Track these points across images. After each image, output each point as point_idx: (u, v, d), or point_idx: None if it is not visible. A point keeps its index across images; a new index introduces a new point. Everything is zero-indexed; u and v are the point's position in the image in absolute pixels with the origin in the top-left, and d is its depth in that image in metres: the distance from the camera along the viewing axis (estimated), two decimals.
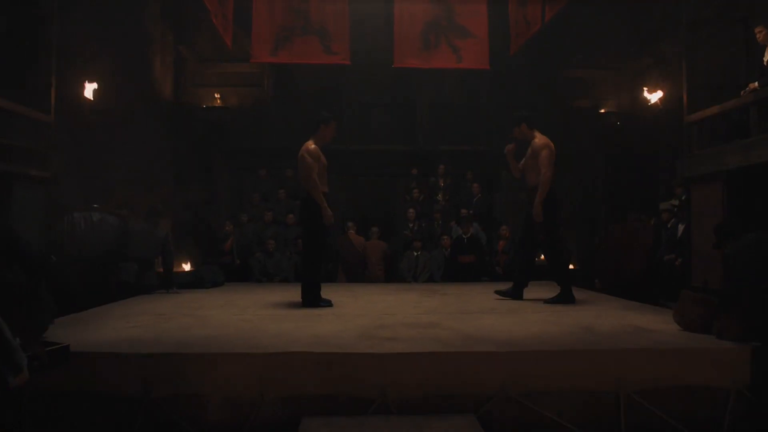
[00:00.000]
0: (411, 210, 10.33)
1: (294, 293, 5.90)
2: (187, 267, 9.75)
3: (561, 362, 3.60)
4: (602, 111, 11.35)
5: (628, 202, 10.46)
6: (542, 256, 9.46)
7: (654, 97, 9.92)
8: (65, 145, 7.62)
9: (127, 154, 9.25)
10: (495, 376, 3.56)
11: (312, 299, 5.70)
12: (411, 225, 10.31)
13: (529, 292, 6.11)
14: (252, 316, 5.04)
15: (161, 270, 7.59)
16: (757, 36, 6.23)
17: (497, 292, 6.17)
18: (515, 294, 6.07)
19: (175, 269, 8.85)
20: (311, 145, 5.76)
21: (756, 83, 6.07)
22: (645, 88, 10.08)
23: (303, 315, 5.13)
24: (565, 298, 5.86)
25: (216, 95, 11.13)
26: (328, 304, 5.74)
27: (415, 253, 9.50)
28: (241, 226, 10.11)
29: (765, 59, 6.18)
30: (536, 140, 5.94)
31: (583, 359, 3.62)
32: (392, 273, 9.66)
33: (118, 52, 9.01)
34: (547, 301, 5.88)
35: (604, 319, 4.87)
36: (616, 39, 11.25)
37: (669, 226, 8.43)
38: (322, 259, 6.03)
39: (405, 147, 11.26)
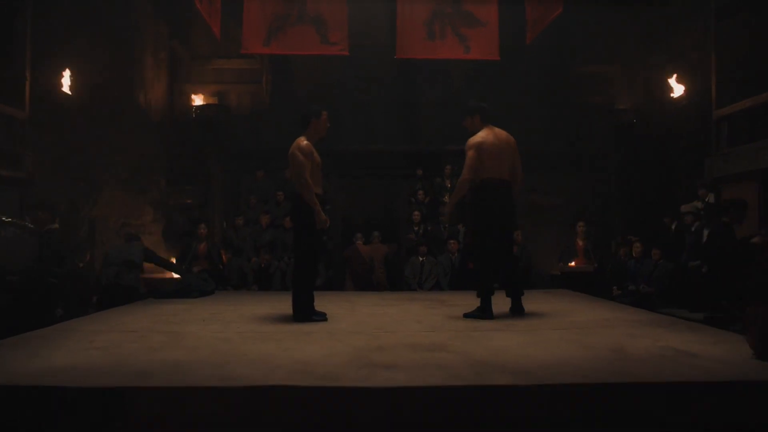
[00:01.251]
0: (416, 213, 9.68)
1: (287, 304, 5.24)
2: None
3: (593, 399, 2.93)
4: (617, 108, 10.65)
5: (644, 205, 9.77)
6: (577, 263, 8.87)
7: (680, 89, 9.14)
8: (42, 144, 7.01)
9: (114, 155, 8.64)
10: (516, 414, 2.89)
11: (304, 313, 5.06)
12: (416, 228, 9.66)
13: (542, 304, 5.43)
14: (233, 334, 4.38)
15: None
16: None
17: (465, 315, 5.29)
18: (516, 309, 5.39)
19: (160, 275, 8.24)
20: (303, 141, 5.12)
21: None
22: (672, 78, 9.28)
23: (291, 332, 4.48)
24: (481, 312, 5.13)
25: (211, 93, 10.50)
26: (322, 317, 5.10)
27: (421, 259, 8.84)
28: (237, 229, 9.49)
29: None
30: (475, 137, 5.27)
31: (622, 395, 2.95)
32: (396, 279, 9.01)
33: (104, 46, 8.40)
34: (466, 315, 5.20)
35: (636, 338, 4.19)
36: (631, 32, 10.58)
37: (693, 230, 7.75)
38: (316, 268, 5.37)
39: (409, 147, 10.60)
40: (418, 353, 3.69)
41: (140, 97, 9.36)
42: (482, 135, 5.25)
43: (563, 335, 4.31)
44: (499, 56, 7.58)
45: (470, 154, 5.20)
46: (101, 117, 8.39)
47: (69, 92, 7.75)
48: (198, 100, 10.46)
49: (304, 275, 5.14)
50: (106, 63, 8.47)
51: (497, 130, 5.35)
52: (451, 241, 8.98)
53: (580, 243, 8.89)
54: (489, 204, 5.22)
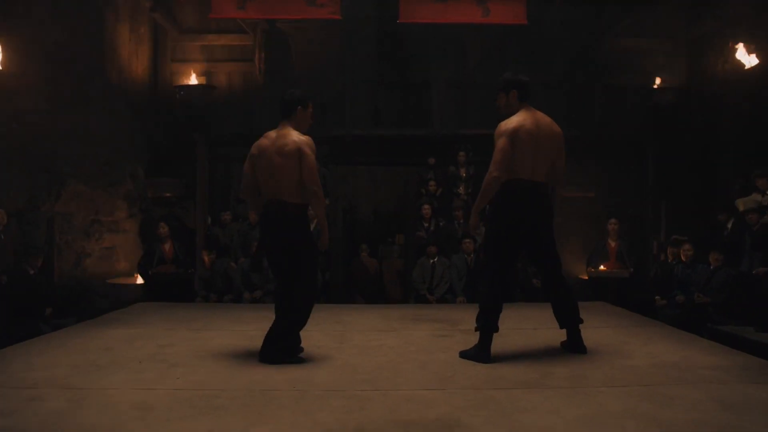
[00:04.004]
0: (426, 206, 8.30)
1: (263, 329, 3.95)
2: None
3: None
4: (654, 87, 9.14)
5: (688, 199, 8.31)
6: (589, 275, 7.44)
7: (751, 61, 7.48)
8: None
9: (81, 142, 7.35)
10: None
11: (283, 355, 3.80)
12: (426, 225, 8.28)
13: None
14: (162, 397, 3.07)
15: None
16: None
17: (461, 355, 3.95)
18: (574, 345, 4.02)
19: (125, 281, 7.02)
20: (296, 134, 3.87)
21: None
22: (740, 46, 7.65)
23: (245, 394, 3.15)
24: (478, 350, 3.80)
25: (199, 72, 9.15)
26: (298, 359, 3.84)
27: (431, 261, 7.49)
28: (223, 226, 8.20)
29: None
30: (508, 121, 3.85)
31: None
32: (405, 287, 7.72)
33: (68, 16, 7.07)
34: (462, 354, 3.90)
35: (731, 393, 2.83)
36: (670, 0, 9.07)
37: (755, 229, 6.32)
38: (316, 298, 4.05)
39: (419, 132, 9.16)
40: None
41: (113, 76, 8.03)
42: (519, 119, 3.85)
43: (627, 403, 2.93)
44: (527, 20, 6.08)
45: (501, 143, 3.81)
46: (65, 98, 7.08)
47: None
48: (183, 79, 9.13)
49: (302, 313, 3.87)
50: (71, 36, 7.15)
51: (539, 114, 3.94)
52: (467, 240, 7.60)
53: (613, 244, 7.46)
54: (511, 215, 3.84)
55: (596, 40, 9.29)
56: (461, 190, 8.81)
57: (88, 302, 7.17)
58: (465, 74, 9.37)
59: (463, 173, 8.87)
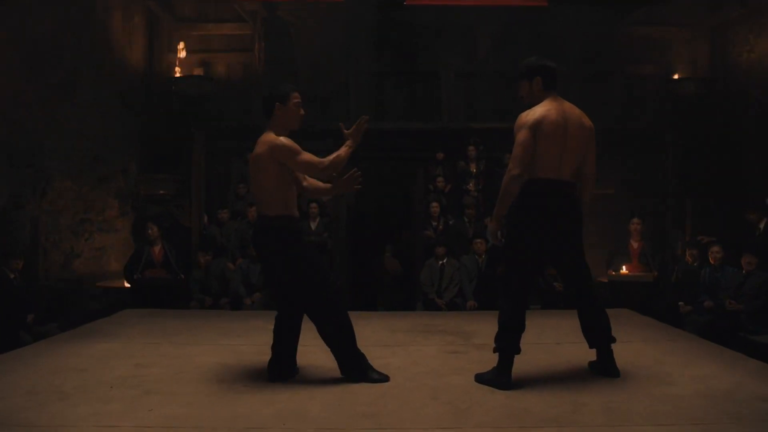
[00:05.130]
0: (434, 204, 7.78)
1: (265, 338, 3.48)
2: None
3: None
4: (675, 77, 8.55)
5: (712, 196, 7.74)
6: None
7: None
8: None
9: (69, 136, 6.86)
10: None
11: (358, 368, 3.42)
12: (434, 223, 7.76)
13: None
14: None
15: None
16: None
17: (477, 379, 3.40)
18: (605, 367, 3.49)
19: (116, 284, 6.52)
20: (271, 134, 3.39)
21: None
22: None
23: (226, 431, 2.66)
24: (496, 375, 3.27)
25: (196, 63, 8.64)
26: (382, 377, 3.42)
27: (440, 262, 6.97)
28: (220, 224, 7.70)
29: None
30: (531, 112, 3.31)
31: None
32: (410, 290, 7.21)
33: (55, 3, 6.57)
34: (478, 378, 3.37)
35: None
36: None
37: None
38: (343, 303, 3.50)
39: (426, 125, 8.61)
40: None
41: (105, 67, 7.53)
42: (543, 109, 3.31)
43: None
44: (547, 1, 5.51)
45: (521, 136, 3.27)
46: (52, 89, 6.59)
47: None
48: (180, 70, 8.62)
49: (335, 323, 3.39)
50: (59, 25, 6.66)
51: (567, 104, 3.40)
52: (477, 240, 7.08)
53: (635, 245, 6.90)
54: (534, 220, 3.31)
55: (613, 28, 8.72)
56: (471, 186, 8.27)
57: (78, 306, 6.71)
58: (475, 64, 8.80)
59: (473, 169, 8.33)
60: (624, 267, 6.81)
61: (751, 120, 7.84)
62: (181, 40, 8.64)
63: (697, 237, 6.87)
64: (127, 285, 6.23)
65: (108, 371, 3.57)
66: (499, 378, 3.26)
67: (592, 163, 3.46)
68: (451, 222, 7.81)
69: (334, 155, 3.38)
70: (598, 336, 3.47)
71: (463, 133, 8.49)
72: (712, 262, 6.20)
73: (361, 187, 3.50)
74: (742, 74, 8.15)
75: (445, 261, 6.97)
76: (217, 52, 8.98)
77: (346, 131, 3.46)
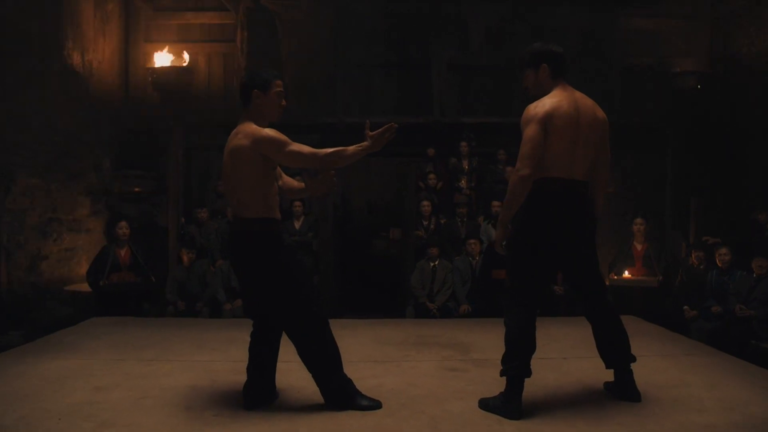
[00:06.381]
0: (426, 203, 7.34)
1: (244, 348, 3.03)
2: None
3: None
4: (676, 71, 8.16)
5: (714, 195, 7.36)
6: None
7: None
8: None
9: (35, 129, 6.34)
10: None
11: (344, 396, 2.97)
12: (425, 223, 7.33)
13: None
14: None
15: None
16: None
17: (481, 405, 2.97)
18: (625, 389, 3.07)
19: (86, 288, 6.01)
20: (252, 126, 2.93)
21: None
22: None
23: None
24: (504, 403, 2.85)
25: (175, 53, 8.11)
26: (372, 404, 2.99)
27: (431, 264, 6.53)
28: (200, 224, 7.21)
29: None
30: (539, 103, 2.91)
31: None
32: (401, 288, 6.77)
33: None
34: (482, 404, 2.94)
35: None
36: None
37: None
38: (327, 326, 2.99)
39: (417, 120, 8.16)
40: None
41: (75, 57, 6.99)
42: (553, 101, 2.90)
43: None
44: None
45: (530, 131, 2.85)
46: (16, 80, 6.07)
47: None
48: (157, 61, 8.10)
49: (319, 345, 2.94)
50: (23, 11, 6.13)
51: (578, 94, 3.00)
52: (471, 241, 6.66)
53: (639, 247, 6.50)
54: (544, 224, 2.90)
55: (611, 20, 8.32)
56: (463, 183, 7.86)
57: (45, 312, 6.20)
58: (468, 56, 8.36)
59: (465, 166, 7.93)
60: (627, 271, 6.41)
61: (753, 115, 7.50)
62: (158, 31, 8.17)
63: (702, 238, 6.49)
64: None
65: (60, 397, 3.11)
66: (508, 406, 2.84)
67: (606, 161, 3.07)
68: (443, 221, 7.39)
69: (337, 149, 2.90)
70: (617, 355, 3.06)
71: (455, 128, 8.08)
72: (719, 264, 5.83)
73: (335, 188, 3.04)
74: (744, 68, 7.80)
75: (437, 263, 6.54)
76: (197, 43, 8.45)
77: (370, 132, 2.94)
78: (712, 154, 7.71)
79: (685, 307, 5.86)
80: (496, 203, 7.28)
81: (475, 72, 8.36)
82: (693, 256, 6.25)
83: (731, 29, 8.13)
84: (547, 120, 2.84)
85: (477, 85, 8.37)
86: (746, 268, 5.67)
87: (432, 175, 7.73)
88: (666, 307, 6.01)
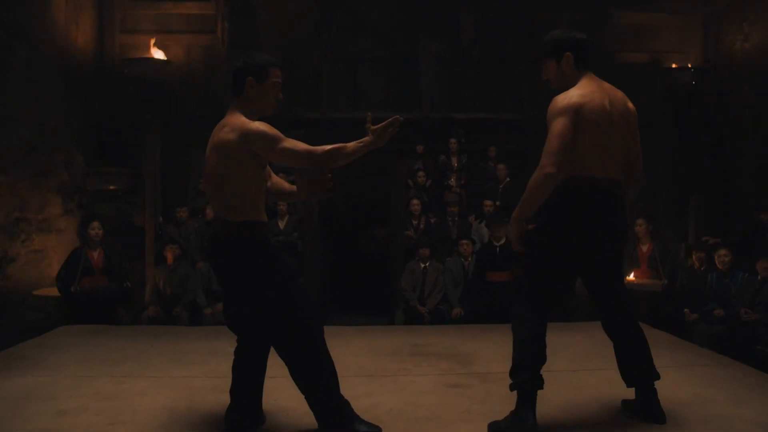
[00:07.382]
0: (415, 201, 7.04)
1: (227, 361, 2.70)
2: None
3: None
4: (670, 67, 7.95)
5: (711, 194, 7.14)
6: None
7: None
8: None
9: (3, 125, 5.91)
10: None
11: (341, 419, 2.61)
12: (415, 222, 7.03)
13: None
14: None
15: None
16: None
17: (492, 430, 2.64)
18: (647, 409, 2.79)
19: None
20: (241, 118, 2.56)
21: None
22: None
23: None
24: (515, 423, 2.55)
25: (153, 44, 7.69)
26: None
27: (422, 265, 6.23)
28: (178, 224, 6.83)
29: None
30: (567, 95, 2.62)
31: None
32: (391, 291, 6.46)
33: None
34: (491, 428, 2.63)
35: None
36: None
37: None
38: (322, 337, 2.64)
39: (406, 115, 7.82)
40: None
41: (45, 47, 6.55)
42: (582, 92, 2.61)
43: None
44: None
45: (558, 125, 2.55)
46: None
47: None
48: (133, 52, 7.66)
49: (313, 364, 2.60)
50: None
51: (607, 85, 2.73)
52: (464, 241, 6.37)
53: (644, 248, 6.22)
54: (573, 228, 2.60)
55: (603, 15, 8.08)
56: (452, 181, 7.59)
57: (12, 318, 5.78)
58: (459, 50, 8.07)
59: (454, 163, 7.65)
60: (632, 272, 6.13)
61: (746, 111, 7.32)
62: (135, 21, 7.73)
63: (702, 238, 6.26)
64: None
65: (18, 423, 2.74)
66: (523, 425, 2.53)
67: (639, 155, 2.79)
68: (433, 220, 7.09)
69: (336, 145, 2.56)
70: (640, 372, 2.78)
71: (444, 124, 7.79)
72: (719, 266, 5.60)
73: (332, 193, 2.71)
74: (736, 63, 7.62)
75: (428, 264, 6.24)
76: (175, 33, 8.02)
77: (371, 126, 2.61)
78: (705, 150, 7.52)
79: (686, 310, 5.63)
80: (488, 202, 7.03)
81: (466, 66, 8.07)
82: (694, 257, 6.02)
83: (724, 25, 7.95)
84: (577, 113, 2.55)
85: (467, 79, 8.08)
86: (747, 269, 5.46)
87: (421, 173, 7.43)
88: (667, 310, 5.77)
